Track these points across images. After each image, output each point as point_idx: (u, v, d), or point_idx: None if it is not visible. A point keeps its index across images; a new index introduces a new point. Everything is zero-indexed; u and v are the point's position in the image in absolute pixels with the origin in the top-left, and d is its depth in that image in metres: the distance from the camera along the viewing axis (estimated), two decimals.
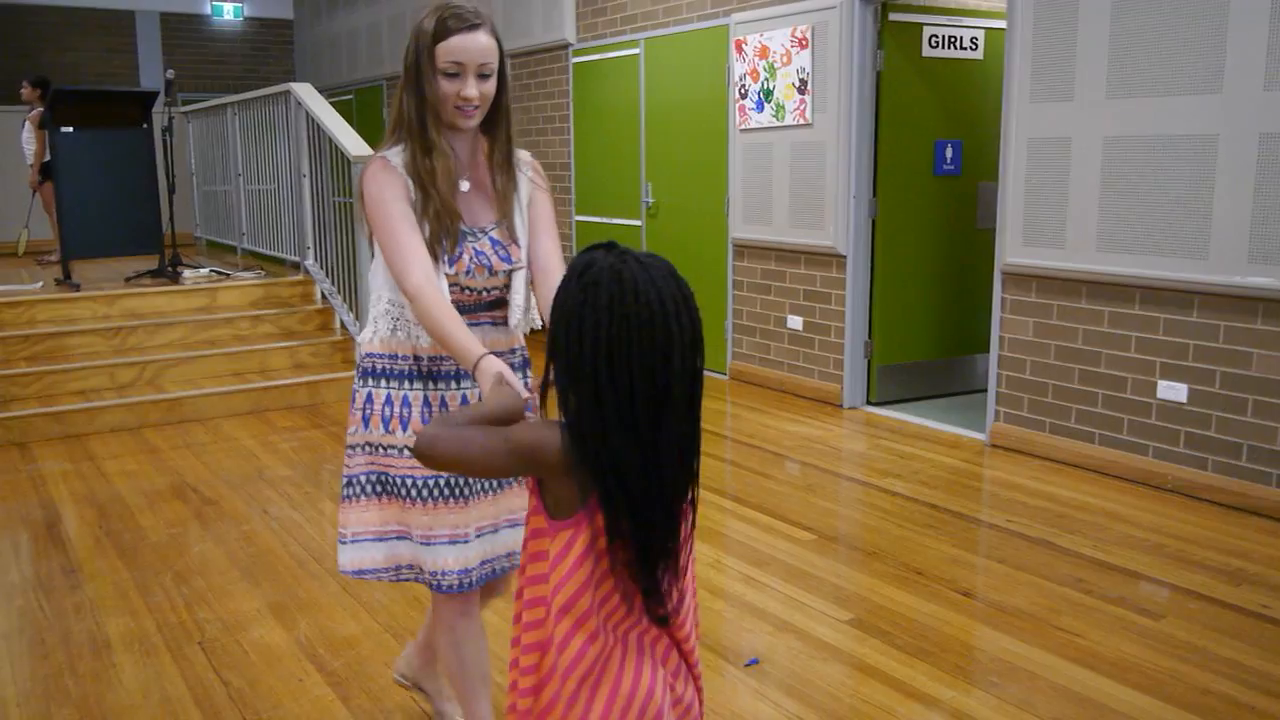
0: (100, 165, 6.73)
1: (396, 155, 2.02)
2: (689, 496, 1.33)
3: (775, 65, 5.80)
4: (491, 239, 2.06)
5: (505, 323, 2.13)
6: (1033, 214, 4.60)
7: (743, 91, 6.06)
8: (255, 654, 2.94)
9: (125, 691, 2.75)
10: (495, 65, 1.98)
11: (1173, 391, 4.17)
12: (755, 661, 2.86)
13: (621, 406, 1.21)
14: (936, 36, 5.57)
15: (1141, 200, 4.19)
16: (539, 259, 2.10)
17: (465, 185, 2.06)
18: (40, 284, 6.63)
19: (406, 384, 2.06)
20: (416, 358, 2.06)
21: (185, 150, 9.81)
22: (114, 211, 6.77)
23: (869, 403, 5.76)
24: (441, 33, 1.93)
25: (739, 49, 6.04)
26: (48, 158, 7.52)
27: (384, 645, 2.97)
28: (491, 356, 1.79)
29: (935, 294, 5.83)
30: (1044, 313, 4.63)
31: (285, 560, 3.64)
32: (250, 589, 3.39)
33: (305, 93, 6.61)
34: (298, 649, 2.97)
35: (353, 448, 2.12)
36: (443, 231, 1.99)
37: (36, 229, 9.22)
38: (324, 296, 6.80)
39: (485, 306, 2.10)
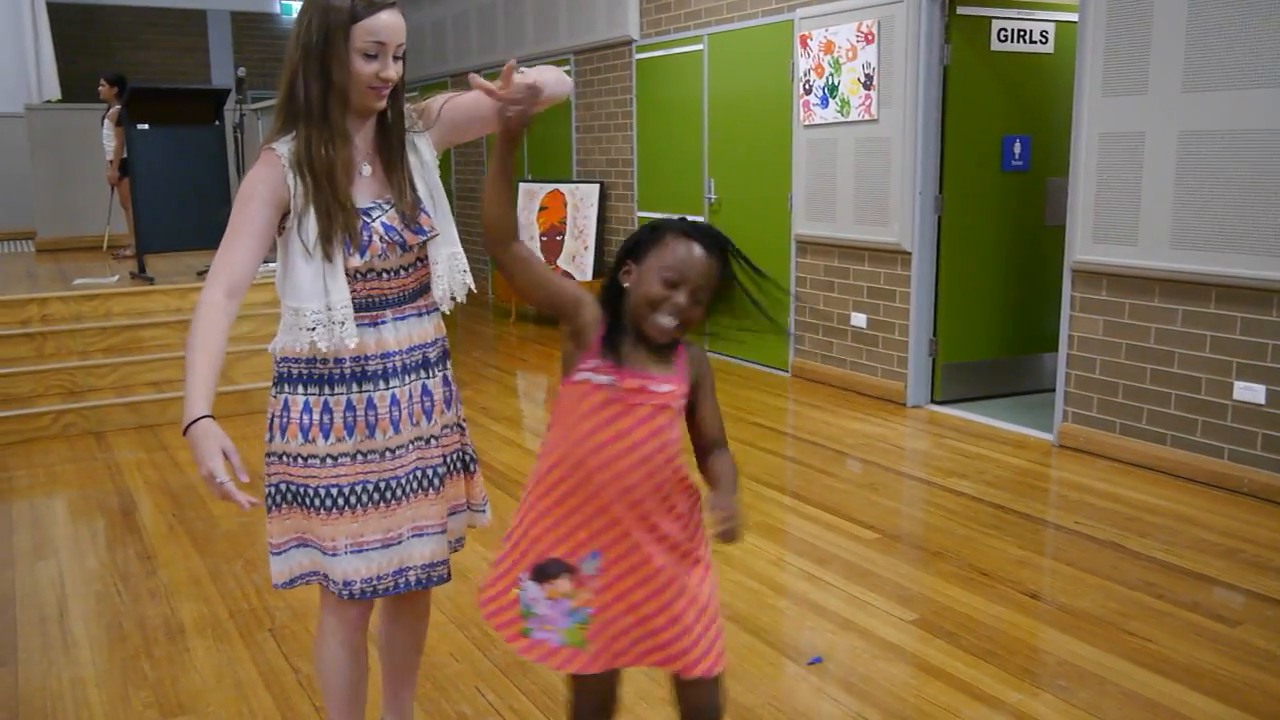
0: (173, 161, 6.87)
1: (284, 145, 1.90)
2: None
3: (840, 60, 5.76)
4: (398, 212, 1.96)
5: (430, 310, 2.05)
6: (1104, 210, 4.51)
7: (807, 87, 6.02)
8: None
9: (199, 675, 2.82)
10: (404, 45, 1.92)
11: (1250, 392, 4.06)
12: (818, 660, 2.84)
13: None
14: (1005, 30, 5.48)
15: (1218, 196, 4.09)
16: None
17: (367, 170, 1.96)
18: (116, 277, 6.80)
19: (328, 388, 1.93)
20: (338, 360, 1.92)
21: (255, 147, 9.98)
22: (186, 207, 6.90)
23: (933, 401, 5.69)
24: (360, 12, 1.83)
25: (804, 44, 6.00)
26: (125, 154, 7.71)
27: (448, 636, 3.01)
28: (212, 424, 1.72)
29: (1002, 292, 5.75)
30: (1115, 311, 4.54)
31: None
32: None
33: None
34: None
35: (270, 455, 1.99)
36: (338, 226, 1.87)
37: (115, 224, 9.45)
38: None
39: (410, 297, 2.01)
